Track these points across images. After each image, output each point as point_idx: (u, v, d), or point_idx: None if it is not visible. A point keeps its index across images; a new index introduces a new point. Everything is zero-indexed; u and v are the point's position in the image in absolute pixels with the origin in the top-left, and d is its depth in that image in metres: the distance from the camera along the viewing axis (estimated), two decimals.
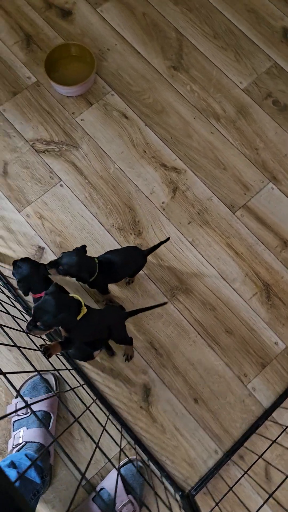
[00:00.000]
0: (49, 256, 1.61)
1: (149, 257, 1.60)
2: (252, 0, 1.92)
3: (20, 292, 1.55)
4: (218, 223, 1.65)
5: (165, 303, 1.34)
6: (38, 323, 1.05)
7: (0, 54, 1.83)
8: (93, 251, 1.61)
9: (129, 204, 1.67)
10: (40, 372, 1.45)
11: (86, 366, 1.50)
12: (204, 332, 1.54)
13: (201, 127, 1.76)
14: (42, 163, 1.71)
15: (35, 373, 1.46)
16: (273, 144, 1.73)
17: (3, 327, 0.97)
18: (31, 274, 1.32)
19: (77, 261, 1.24)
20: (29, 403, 1.37)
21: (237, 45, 1.85)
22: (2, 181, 1.69)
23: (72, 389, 1.11)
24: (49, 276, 1.38)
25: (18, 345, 1.35)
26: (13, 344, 1.09)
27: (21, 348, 0.91)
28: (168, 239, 1.43)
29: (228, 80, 1.81)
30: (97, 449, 1.42)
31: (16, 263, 1.34)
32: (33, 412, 0.73)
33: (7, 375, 1.47)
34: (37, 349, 1.29)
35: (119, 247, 1.57)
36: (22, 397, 0.70)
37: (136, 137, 1.75)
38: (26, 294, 1.33)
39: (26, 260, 1.35)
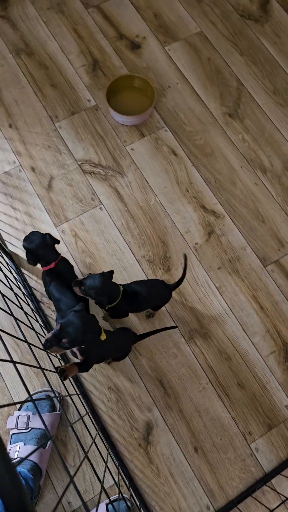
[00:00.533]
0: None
1: (174, 294, 1.61)
2: None
3: (42, 304, 1.57)
4: (248, 274, 1.65)
5: (175, 327, 1.37)
6: (64, 340, 1.04)
7: (66, 74, 1.90)
8: (120, 279, 1.62)
9: (163, 238, 1.69)
10: (48, 391, 1.45)
11: (92, 392, 1.49)
12: (216, 381, 1.52)
13: (246, 177, 1.78)
14: (87, 183, 1.75)
15: (40, 389, 1.46)
16: None
17: (25, 342, 0.97)
18: (41, 244, 1.30)
19: (99, 285, 1.23)
20: (31, 419, 1.36)
21: None
22: (45, 194, 1.73)
23: (81, 417, 1.10)
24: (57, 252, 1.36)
25: (25, 362, 1.35)
26: (38, 366, 1.09)
27: (43, 369, 0.91)
28: (185, 257, 1.41)
29: (281, 136, 1.84)
30: (90, 479, 1.39)
31: (27, 236, 1.32)
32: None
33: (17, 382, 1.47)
34: (54, 370, 1.29)
35: (146, 279, 1.58)
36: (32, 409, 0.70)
37: (182, 174, 1.78)
38: (35, 264, 1.32)
39: (35, 232, 1.32)
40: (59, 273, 1.35)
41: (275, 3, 2.06)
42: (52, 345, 1.05)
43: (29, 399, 1.43)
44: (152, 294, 1.38)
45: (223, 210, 1.73)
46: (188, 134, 1.84)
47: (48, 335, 1.06)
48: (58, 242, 1.34)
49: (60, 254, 1.37)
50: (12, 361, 0.72)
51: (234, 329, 1.58)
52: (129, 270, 1.64)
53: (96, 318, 1.13)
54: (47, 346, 1.05)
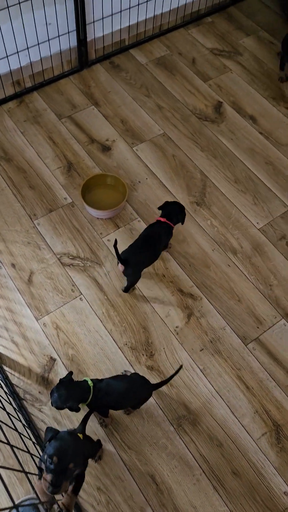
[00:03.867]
0: (59, 369, 1.61)
1: (158, 380, 1.59)
2: (270, 154, 2.18)
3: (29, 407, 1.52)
4: (230, 353, 1.67)
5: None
6: (71, 465, 1.01)
7: (43, 176, 2.05)
8: (103, 369, 1.61)
9: (144, 324, 1.72)
10: (33, 498, 1.36)
11: (80, 495, 1.40)
12: (210, 471, 1.45)
13: (219, 259, 1.87)
14: (66, 275, 1.80)
15: (25, 497, 1.36)
16: (286, 282, 1.82)
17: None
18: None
19: (60, 396, 1.25)
20: None
21: (255, 191, 2.06)
22: (26, 289, 1.76)
23: None
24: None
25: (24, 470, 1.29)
26: (21, 469, 1.05)
27: (27, 473, 0.87)
28: (180, 367, 1.44)
29: (246, 219, 1.98)
30: None
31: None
32: None
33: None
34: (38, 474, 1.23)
35: (126, 374, 1.55)
36: None
37: (157, 261, 1.86)
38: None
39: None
40: None
41: (227, 106, 2.33)
42: (60, 486, 1.00)
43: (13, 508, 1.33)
44: (130, 391, 1.36)
45: (199, 292, 1.79)
46: None
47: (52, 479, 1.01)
48: None
49: None
50: None
51: (223, 412, 1.55)
52: (112, 359, 1.63)
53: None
54: (54, 491, 1.00)
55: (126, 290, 1.75)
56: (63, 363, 1.63)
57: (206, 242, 1.91)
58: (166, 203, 1.72)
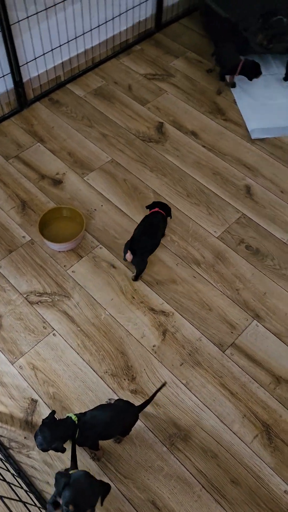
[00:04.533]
0: (42, 409, 1.57)
1: None
2: (216, 165, 2.26)
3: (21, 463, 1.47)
4: (210, 363, 1.68)
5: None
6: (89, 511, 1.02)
7: None
8: (87, 401, 1.59)
9: (121, 349, 1.71)
10: None
11: None
12: (209, 485, 1.44)
13: (184, 272, 1.91)
14: (36, 314, 1.78)
15: None
16: (251, 284, 1.87)
17: None
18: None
19: (44, 436, 1.23)
20: None
21: (208, 201, 2.13)
22: None
23: None
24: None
25: None
26: None
27: None
28: (163, 384, 1.44)
29: (204, 230, 2.03)
30: None
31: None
32: None
33: None
34: None
35: (115, 398, 1.54)
36: None
37: (125, 284, 1.87)
38: None
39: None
40: None
41: (168, 126, 2.42)
42: None
43: None
44: (116, 418, 1.35)
45: (170, 308, 1.81)
46: (121, 246, 1.97)
47: None
48: None
49: None
50: None
51: (212, 423, 1.56)
52: (94, 389, 1.61)
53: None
54: None
55: (136, 278, 1.87)
56: (45, 402, 1.59)
57: (169, 258, 1.95)
58: (154, 202, 1.92)
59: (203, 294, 1.85)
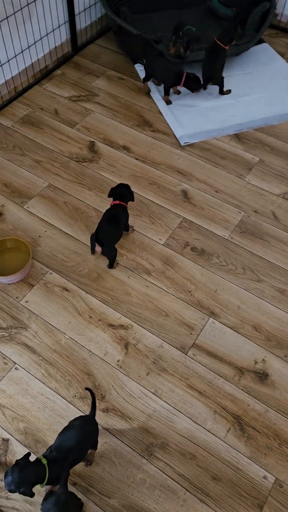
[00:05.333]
0: (15, 447, 1.54)
1: (118, 419, 1.59)
2: (151, 175, 2.33)
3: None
4: (175, 367, 1.72)
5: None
6: None
7: None
8: (59, 429, 1.54)
9: (86, 370, 1.71)
10: None
11: None
12: (192, 486, 1.47)
13: (136, 283, 1.94)
14: None
15: None
16: (202, 284, 1.94)
17: None
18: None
19: (13, 480, 1.20)
20: None
21: (149, 211, 2.18)
22: None
23: None
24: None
25: None
26: None
27: None
28: (90, 390, 1.45)
29: (149, 239, 2.08)
30: None
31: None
32: None
33: None
34: None
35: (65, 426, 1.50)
36: None
37: (80, 305, 1.87)
38: None
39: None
40: None
41: (99, 144, 2.46)
42: None
43: None
44: (79, 437, 1.33)
45: (129, 321, 1.83)
46: (71, 268, 1.98)
47: None
48: None
49: None
50: None
51: (186, 425, 1.59)
52: (65, 416, 1.60)
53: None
54: None
55: (110, 266, 1.97)
56: (17, 439, 1.56)
57: (120, 271, 1.97)
58: (112, 188, 1.96)
59: (158, 301, 1.89)
